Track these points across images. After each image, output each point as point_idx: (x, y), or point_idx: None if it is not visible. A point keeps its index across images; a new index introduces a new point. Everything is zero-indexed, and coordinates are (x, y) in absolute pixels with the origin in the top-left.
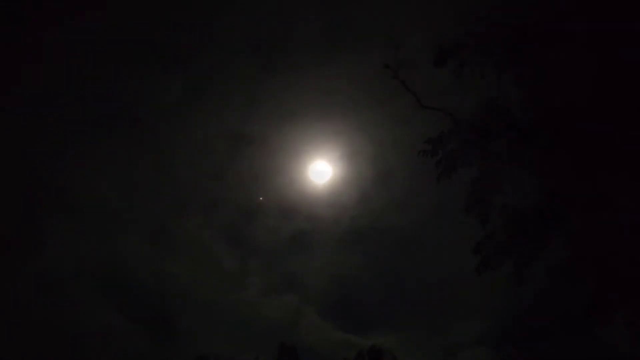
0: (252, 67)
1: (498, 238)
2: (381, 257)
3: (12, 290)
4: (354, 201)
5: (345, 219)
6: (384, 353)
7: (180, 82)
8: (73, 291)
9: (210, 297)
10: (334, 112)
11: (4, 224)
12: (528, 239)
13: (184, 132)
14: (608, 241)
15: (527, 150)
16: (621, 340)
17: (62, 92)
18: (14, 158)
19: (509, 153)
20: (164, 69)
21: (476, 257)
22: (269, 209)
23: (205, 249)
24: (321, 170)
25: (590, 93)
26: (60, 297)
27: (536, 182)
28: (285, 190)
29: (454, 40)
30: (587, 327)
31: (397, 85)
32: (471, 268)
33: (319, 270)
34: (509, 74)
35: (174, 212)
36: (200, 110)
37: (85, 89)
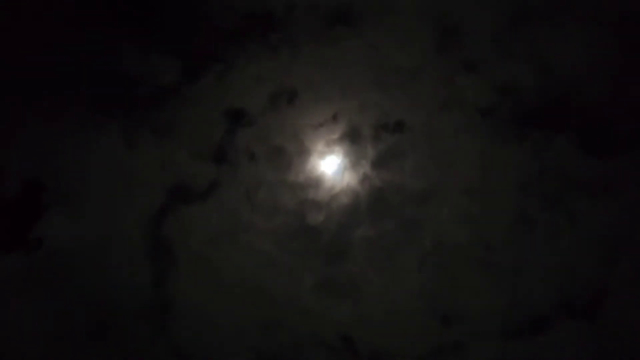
0: (251, 46)
1: (500, 224)
2: (380, 244)
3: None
4: (354, 184)
5: (344, 202)
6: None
7: (179, 62)
8: (69, 283)
9: (208, 291)
10: (334, 93)
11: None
12: (530, 225)
13: (183, 114)
14: (611, 226)
15: (532, 135)
16: (621, 328)
17: (57, 75)
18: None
19: (513, 136)
20: (163, 50)
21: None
22: (266, 201)
23: (203, 240)
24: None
25: (596, 77)
26: (57, 289)
27: (539, 165)
28: (283, 177)
29: (456, 23)
30: (589, 315)
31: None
32: (472, 258)
33: (318, 260)
34: (516, 57)
35: (172, 197)
36: (200, 92)
37: (81, 72)
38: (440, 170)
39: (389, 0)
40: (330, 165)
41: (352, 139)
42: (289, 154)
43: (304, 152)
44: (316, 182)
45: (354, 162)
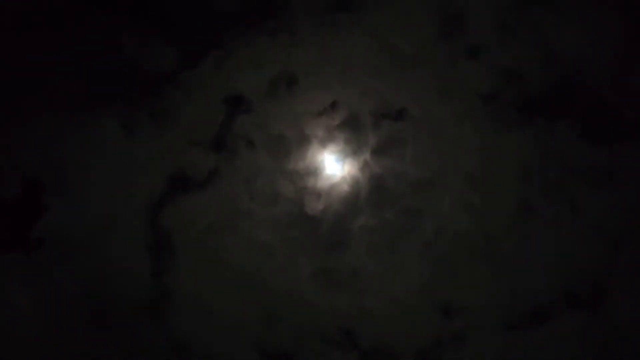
0: (250, 32)
1: (501, 213)
2: (380, 233)
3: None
4: (354, 172)
5: (344, 190)
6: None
7: (177, 49)
8: (68, 273)
9: (207, 282)
10: (334, 80)
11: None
12: (531, 215)
13: (182, 101)
14: (614, 215)
15: (534, 122)
16: (625, 319)
17: (55, 64)
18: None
19: (515, 123)
20: (161, 37)
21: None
22: (265, 190)
23: (202, 230)
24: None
25: (600, 63)
26: (56, 278)
27: (541, 152)
28: (282, 165)
29: (459, 8)
30: (591, 306)
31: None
32: (473, 248)
33: (317, 250)
34: (519, 43)
35: (171, 186)
36: (198, 77)
37: (79, 59)
38: (441, 158)
39: None
40: (330, 153)
41: (352, 126)
42: (288, 142)
43: (303, 140)
44: (316, 170)
45: (354, 150)
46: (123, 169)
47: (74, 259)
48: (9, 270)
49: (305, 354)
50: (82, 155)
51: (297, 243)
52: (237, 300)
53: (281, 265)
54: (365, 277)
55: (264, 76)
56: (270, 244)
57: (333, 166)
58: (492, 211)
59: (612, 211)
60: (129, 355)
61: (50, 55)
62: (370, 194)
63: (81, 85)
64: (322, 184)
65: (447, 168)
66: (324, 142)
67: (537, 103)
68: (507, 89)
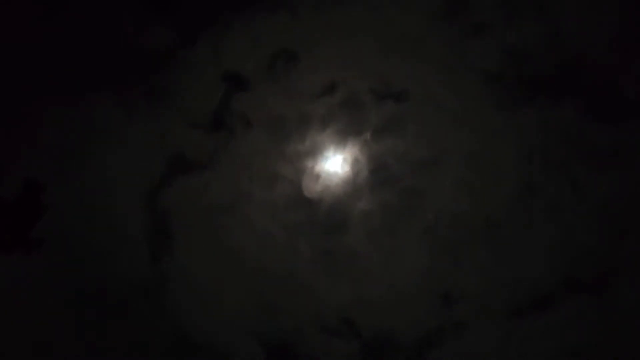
0: (249, 8)
1: (503, 195)
2: (380, 216)
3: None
4: (355, 152)
5: (344, 171)
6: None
7: (175, 27)
8: (67, 260)
9: (208, 272)
10: (335, 58)
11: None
12: (534, 196)
13: (180, 80)
14: (618, 196)
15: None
16: (630, 303)
17: (53, 44)
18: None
19: (519, 101)
20: (158, 16)
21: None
22: (264, 172)
23: (201, 214)
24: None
25: (606, 41)
26: (55, 266)
27: (545, 131)
28: (281, 146)
29: None
30: (595, 290)
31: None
32: (475, 232)
33: (317, 234)
34: (524, 21)
35: (171, 168)
36: (196, 56)
37: (75, 38)
38: (443, 138)
39: None
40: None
41: (353, 106)
42: (288, 122)
43: (302, 120)
44: (315, 151)
45: (355, 130)
46: (122, 152)
47: (73, 248)
48: (8, 270)
49: (305, 343)
50: (80, 138)
51: (296, 227)
52: (237, 287)
53: (280, 250)
54: (365, 262)
55: (263, 54)
56: (269, 227)
57: (333, 146)
58: (494, 193)
59: (616, 192)
60: (129, 344)
61: (48, 37)
62: (371, 175)
63: (79, 67)
64: (321, 165)
65: (449, 148)
66: (323, 122)
67: (541, 82)
68: (511, 68)
